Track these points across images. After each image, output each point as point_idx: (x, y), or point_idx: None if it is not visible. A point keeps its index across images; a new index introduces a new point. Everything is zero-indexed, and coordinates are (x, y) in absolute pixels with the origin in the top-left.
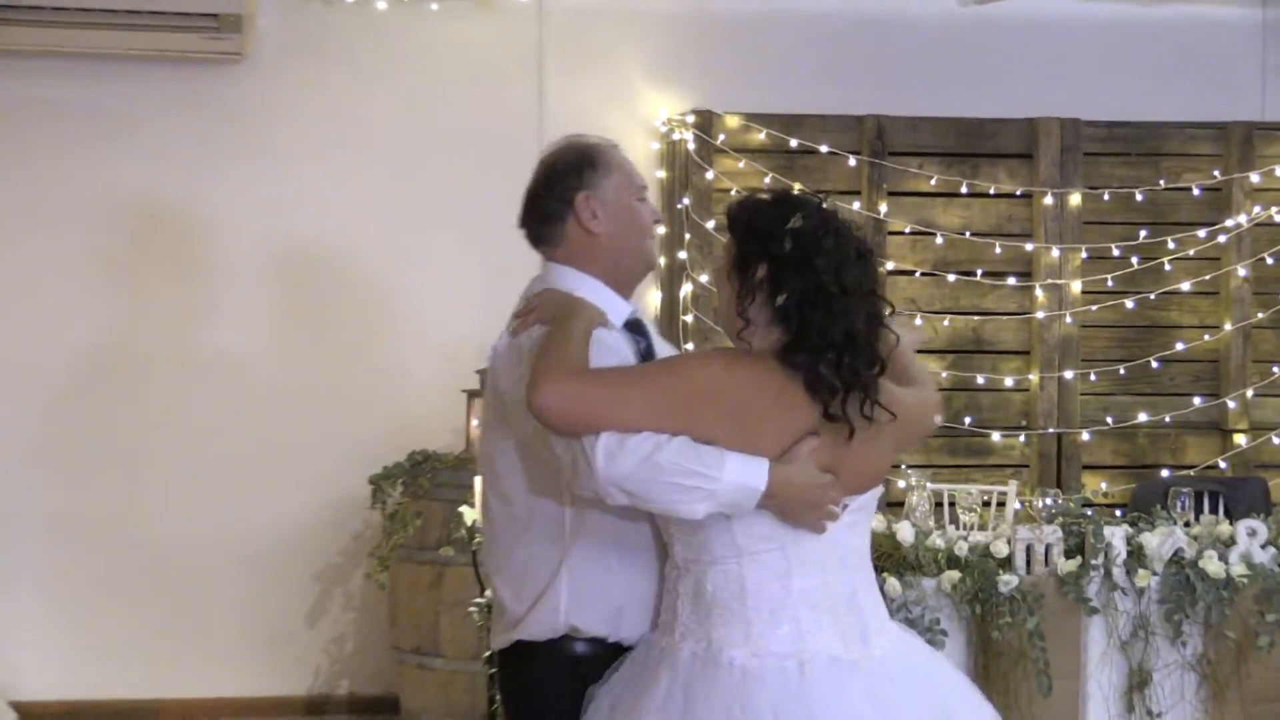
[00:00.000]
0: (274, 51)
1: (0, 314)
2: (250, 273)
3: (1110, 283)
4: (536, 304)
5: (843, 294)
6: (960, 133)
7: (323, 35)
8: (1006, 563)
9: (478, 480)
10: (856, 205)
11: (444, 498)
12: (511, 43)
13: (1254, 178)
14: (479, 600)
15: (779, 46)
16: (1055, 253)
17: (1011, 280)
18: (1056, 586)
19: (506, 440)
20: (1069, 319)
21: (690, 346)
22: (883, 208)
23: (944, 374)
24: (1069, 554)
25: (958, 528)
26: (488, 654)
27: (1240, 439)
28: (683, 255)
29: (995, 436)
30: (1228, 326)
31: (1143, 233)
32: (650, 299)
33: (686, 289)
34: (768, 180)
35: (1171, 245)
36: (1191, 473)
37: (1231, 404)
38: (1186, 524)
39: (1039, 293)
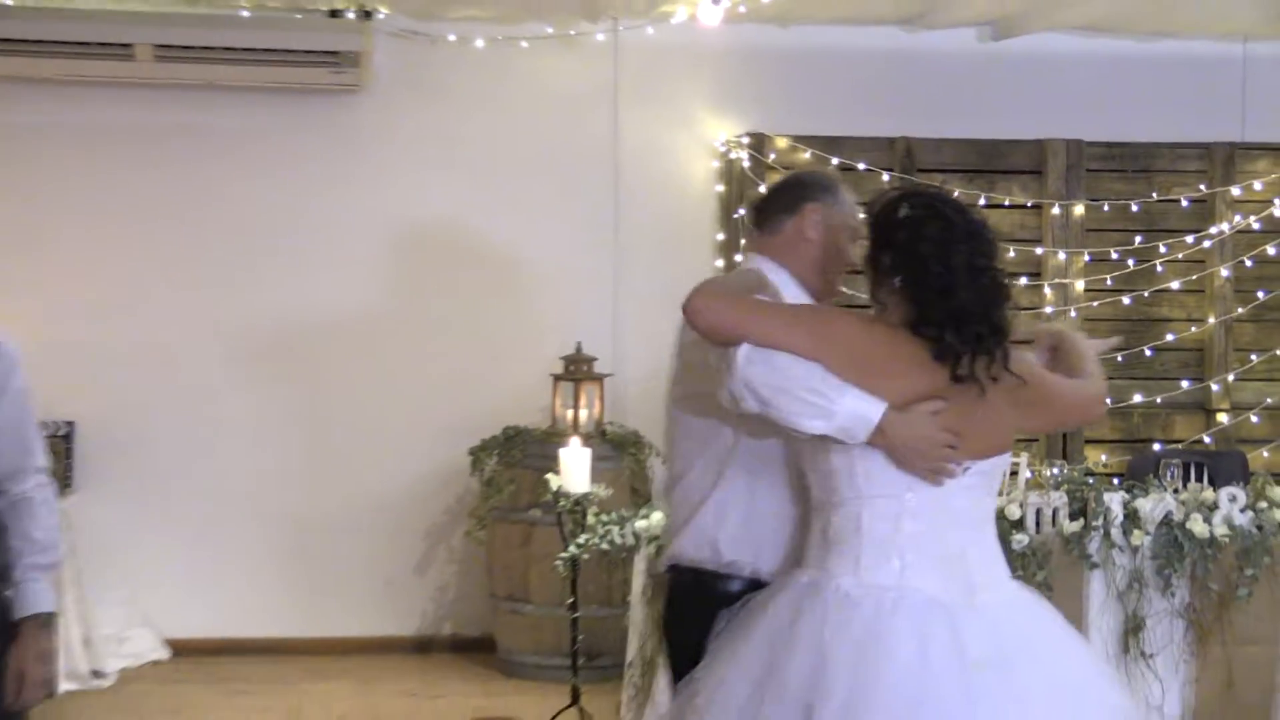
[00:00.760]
0: (387, 84)
1: (184, 300)
2: (366, 272)
3: (1109, 282)
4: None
5: (948, 272)
6: (979, 152)
7: (429, 70)
8: (1019, 524)
9: (562, 451)
10: None
11: (533, 466)
12: (591, 76)
13: (1235, 191)
14: (563, 555)
15: (821, 77)
16: (1061, 256)
17: (1023, 280)
18: (1062, 545)
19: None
20: (1073, 314)
21: None
22: None
23: None
24: (1073, 516)
25: None
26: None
27: (1223, 417)
28: (739, 259)
29: None
30: (1212, 320)
31: (1138, 239)
32: None
33: None
34: None
35: (1163, 250)
36: (1180, 446)
37: (1215, 387)
38: (1175, 491)
39: (1047, 291)
